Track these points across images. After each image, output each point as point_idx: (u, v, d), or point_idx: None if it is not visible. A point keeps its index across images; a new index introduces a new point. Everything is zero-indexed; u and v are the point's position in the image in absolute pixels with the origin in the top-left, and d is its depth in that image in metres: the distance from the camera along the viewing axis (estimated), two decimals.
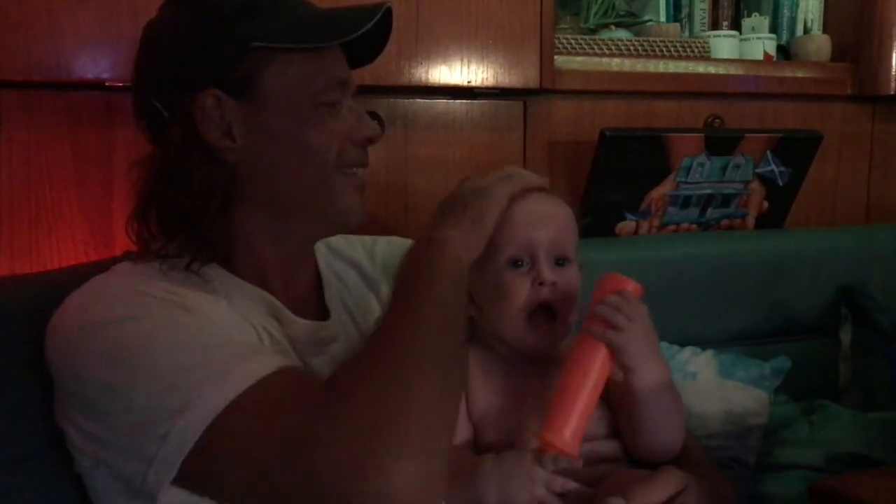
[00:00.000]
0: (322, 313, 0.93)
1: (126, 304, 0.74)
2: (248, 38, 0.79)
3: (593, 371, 0.82)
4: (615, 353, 0.84)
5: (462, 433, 0.90)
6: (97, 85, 1.19)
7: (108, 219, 1.24)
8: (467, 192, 0.88)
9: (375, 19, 0.83)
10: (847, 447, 1.25)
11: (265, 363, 0.70)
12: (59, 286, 0.81)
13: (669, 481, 0.76)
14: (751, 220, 1.58)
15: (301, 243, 0.91)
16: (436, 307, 0.75)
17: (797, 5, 1.76)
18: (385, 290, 1.00)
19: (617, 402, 0.90)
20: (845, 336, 1.52)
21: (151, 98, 0.82)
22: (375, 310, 0.98)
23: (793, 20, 1.75)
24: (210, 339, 0.72)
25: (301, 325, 0.87)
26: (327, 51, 0.84)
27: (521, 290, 0.89)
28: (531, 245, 0.90)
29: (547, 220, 0.91)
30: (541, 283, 0.88)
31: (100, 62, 1.17)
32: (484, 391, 0.93)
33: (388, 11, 0.86)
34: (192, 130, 0.80)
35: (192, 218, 0.81)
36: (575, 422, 0.77)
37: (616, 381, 0.87)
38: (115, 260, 0.88)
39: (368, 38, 0.86)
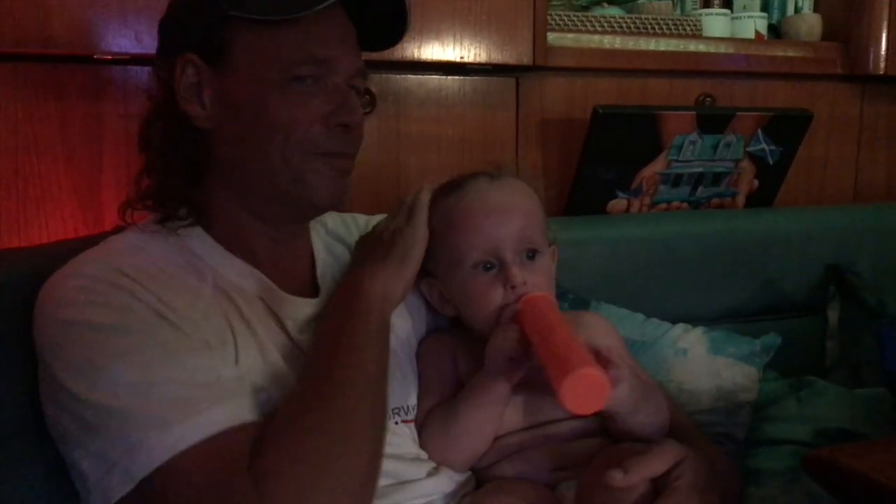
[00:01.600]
0: (314, 290, 0.93)
1: (111, 310, 0.73)
2: (225, 4, 0.80)
3: (559, 318, 0.81)
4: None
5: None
6: (86, 58, 1.17)
7: (97, 194, 1.23)
8: (386, 235, 0.90)
9: None
10: (834, 423, 1.26)
11: (213, 420, 0.70)
12: (48, 260, 0.81)
13: (667, 453, 0.77)
14: (741, 199, 1.59)
15: (284, 222, 0.89)
16: (360, 371, 0.76)
17: None
18: None
19: None
20: (833, 314, 1.53)
21: (157, 55, 0.86)
22: None
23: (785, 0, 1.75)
24: (176, 373, 0.71)
25: (292, 301, 0.87)
26: (307, 24, 0.80)
27: (494, 296, 0.88)
28: (496, 246, 0.88)
29: (509, 214, 0.90)
30: (512, 287, 0.87)
31: (88, 36, 1.15)
32: (471, 367, 0.93)
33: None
34: (169, 91, 0.82)
35: (159, 174, 0.84)
36: (577, 355, 0.73)
37: None
38: (105, 235, 0.88)
39: (382, 17, 0.85)
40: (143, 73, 1.22)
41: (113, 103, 1.22)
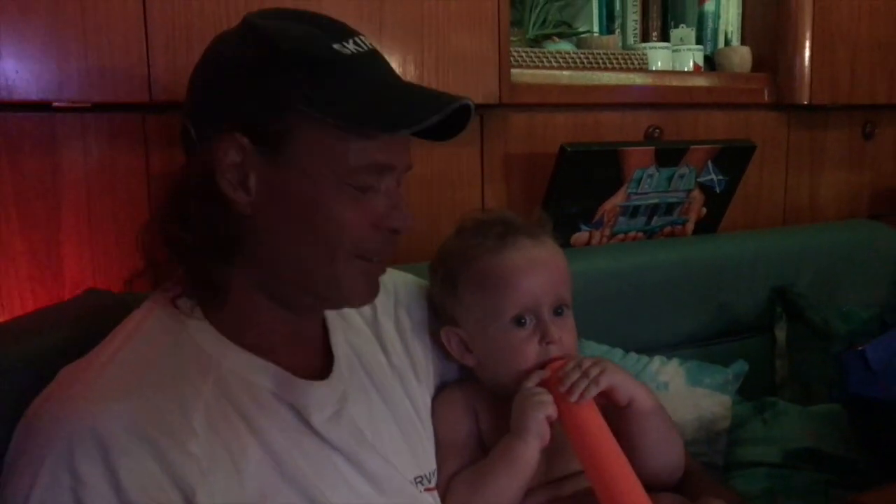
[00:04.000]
0: (328, 356, 0.89)
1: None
2: (294, 97, 0.73)
3: (606, 434, 0.84)
4: (611, 393, 0.87)
5: (475, 459, 0.91)
6: (43, 106, 1.09)
7: (56, 250, 1.14)
8: None
9: (439, 117, 0.74)
10: (799, 443, 1.34)
11: None
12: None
13: None
14: (690, 226, 1.66)
15: (311, 311, 0.86)
16: None
17: (719, 17, 1.84)
18: (388, 325, 0.96)
19: (617, 433, 0.89)
20: (780, 333, 1.62)
21: (187, 115, 0.78)
22: (379, 353, 0.93)
23: (716, 32, 1.84)
24: None
25: (313, 390, 0.82)
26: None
27: (530, 352, 0.90)
28: (534, 303, 0.90)
29: (546, 272, 0.92)
30: (549, 343, 0.89)
31: (47, 83, 1.07)
32: (493, 423, 0.93)
33: (467, 109, 0.77)
34: (210, 167, 0.75)
35: (187, 254, 0.77)
36: (635, 495, 0.78)
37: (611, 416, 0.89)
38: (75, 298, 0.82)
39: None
40: (102, 120, 1.15)
41: (72, 152, 1.13)
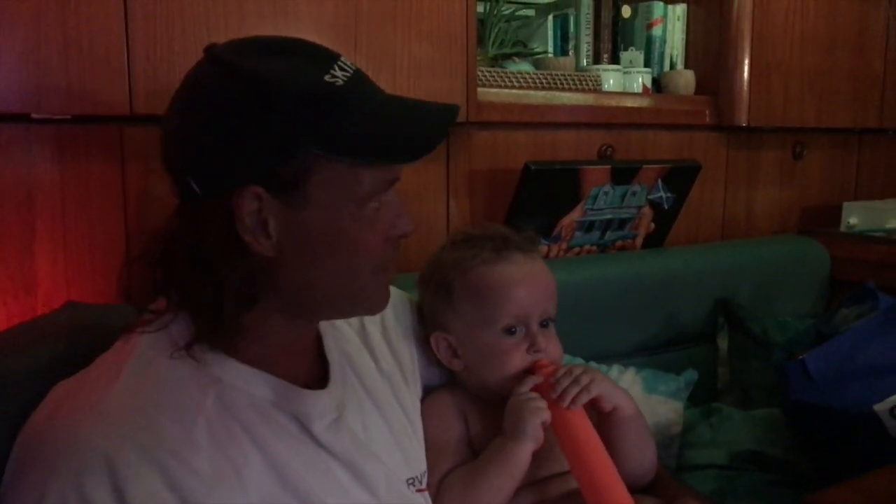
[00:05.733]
0: (322, 364, 0.91)
1: None
2: (302, 142, 0.74)
3: (594, 439, 0.90)
4: (598, 401, 0.94)
5: (465, 460, 0.96)
6: (22, 117, 1.08)
7: (29, 262, 1.13)
8: None
9: (444, 138, 0.81)
10: (744, 446, 1.43)
11: None
12: None
13: None
14: (639, 241, 1.74)
15: (313, 323, 0.89)
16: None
17: (665, 42, 1.94)
18: (375, 332, 1.00)
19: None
20: (722, 342, 1.72)
21: (185, 174, 0.76)
22: (368, 359, 0.97)
23: (662, 55, 1.94)
24: None
25: (314, 399, 0.84)
26: None
27: (517, 359, 0.96)
28: (525, 314, 0.96)
29: (536, 286, 0.98)
30: (536, 352, 0.96)
31: (26, 94, 1.06)
32: (481, 426, 0.98)
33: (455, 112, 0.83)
34: (228, 221, 0.74)
35: (212, 308, 0.76)
36: (619, 493, 0.85)
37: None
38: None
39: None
40: (79, 132, 1.14)
41: (47, 164, 1.12)
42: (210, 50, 0.78)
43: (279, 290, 0.80)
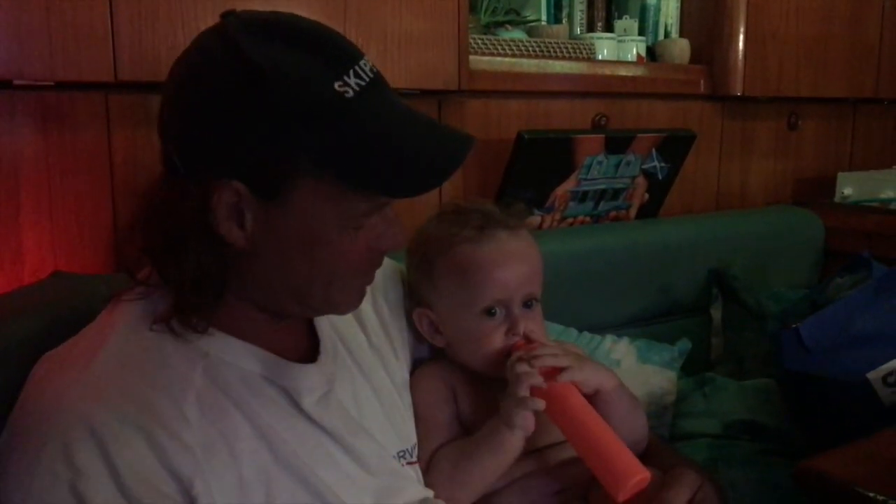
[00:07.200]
0: (312, 338, 0.90)
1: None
2: (295, 151, 0.70)
3: (589, 411, 0.88)
4: (578, 387, 0.91)
5: (455, 435, 0.96)
6: (5, 84, 1.06)
7: (16, 233, 1.11)
8: None
9: (446, 178, 0.75)
10: (737, 415, 1.43)
11: None
12: None
13: (688, 482, 0.84)
14: (633, 211, 1.73)
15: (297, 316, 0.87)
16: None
17: (659, 10, 1.92)
18: (366, 306, 0.98)
19: None
20: (716, 313, 1.72)
21: (172, 150, 0.74)
22: (359, 333, 0.95)
23: (656, 24, 1.91)
24: None
25: (304, 373, 0.83)
26: None
27: (497, 340, 0.94)
28: (506, 296, 0.94)
29: (519, 267, 0.95)
30: (515, 335, 0.94)
31: (8, 60, 1.04)
32: (470, 399, 0.97)
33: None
34: (204, 208, 0.72)
35: (185, 283, 0.75)
36: (625, 459, 0.83)
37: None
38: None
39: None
40: (63, 99, 1.12)
41: (33, 133, 1.11)
42: (226, 18, 0.73)
43: (248, 281, 0.78)
